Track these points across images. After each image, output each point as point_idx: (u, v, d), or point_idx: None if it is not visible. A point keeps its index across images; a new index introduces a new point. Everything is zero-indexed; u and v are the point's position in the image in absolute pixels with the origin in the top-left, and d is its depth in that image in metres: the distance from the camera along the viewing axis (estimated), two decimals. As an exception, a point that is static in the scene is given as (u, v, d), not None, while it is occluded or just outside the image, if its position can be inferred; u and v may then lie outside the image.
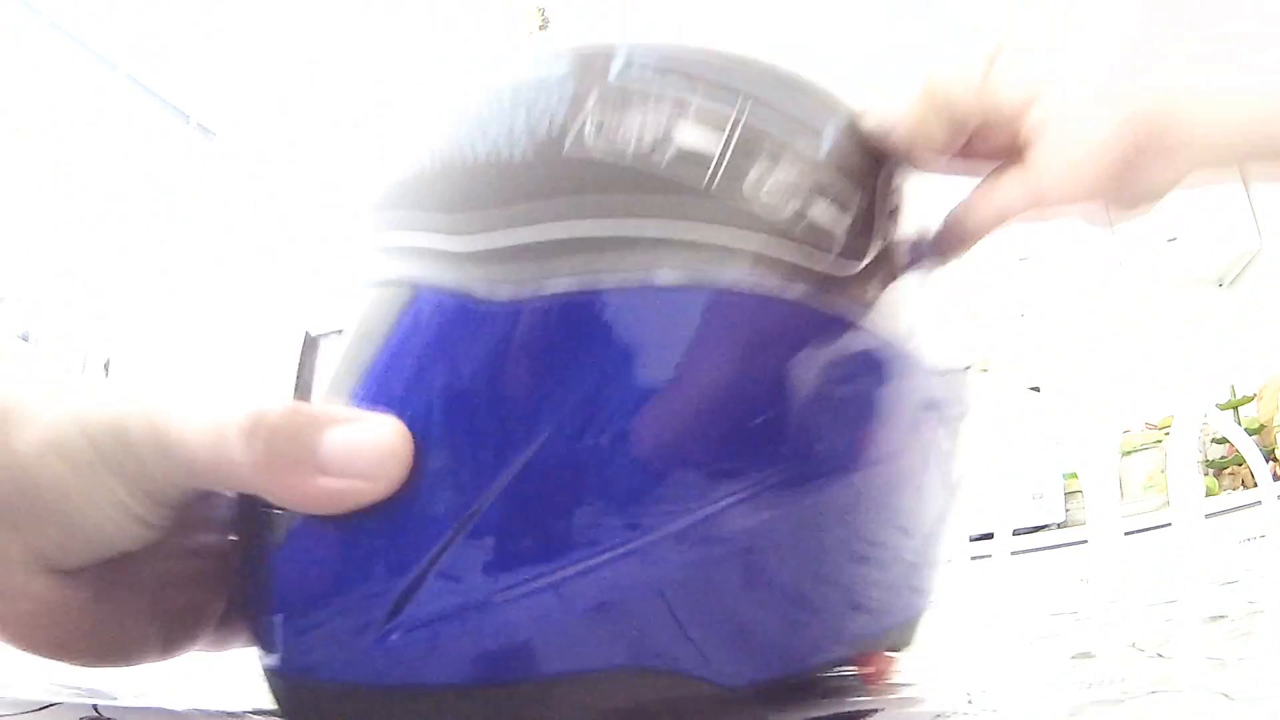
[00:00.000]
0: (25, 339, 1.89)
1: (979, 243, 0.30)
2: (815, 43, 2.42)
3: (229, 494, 0.24)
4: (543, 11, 2.18)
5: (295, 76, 2.55)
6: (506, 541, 0.20)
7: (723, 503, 0.21)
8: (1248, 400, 2.01)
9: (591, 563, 0.20)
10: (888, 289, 0.25)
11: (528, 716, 0.21)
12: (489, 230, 0.21)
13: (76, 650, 0.23)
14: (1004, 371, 2.13)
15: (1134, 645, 0.33)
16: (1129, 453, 2.04)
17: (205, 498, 0.23)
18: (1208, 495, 1.74)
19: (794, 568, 0.23)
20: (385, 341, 0.21)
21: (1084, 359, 2.11)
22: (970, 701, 0.25)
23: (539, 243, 0.21)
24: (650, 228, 0.21)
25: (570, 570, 0.20)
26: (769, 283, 0.22)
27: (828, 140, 0.25)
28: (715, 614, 0.22)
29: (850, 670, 0.30)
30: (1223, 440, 1.93)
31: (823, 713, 0.26)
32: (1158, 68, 0.21)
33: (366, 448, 0.20)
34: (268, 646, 0.22)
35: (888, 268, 0.25)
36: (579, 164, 0.22)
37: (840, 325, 0.23)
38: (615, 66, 0.24)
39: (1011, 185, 0.27)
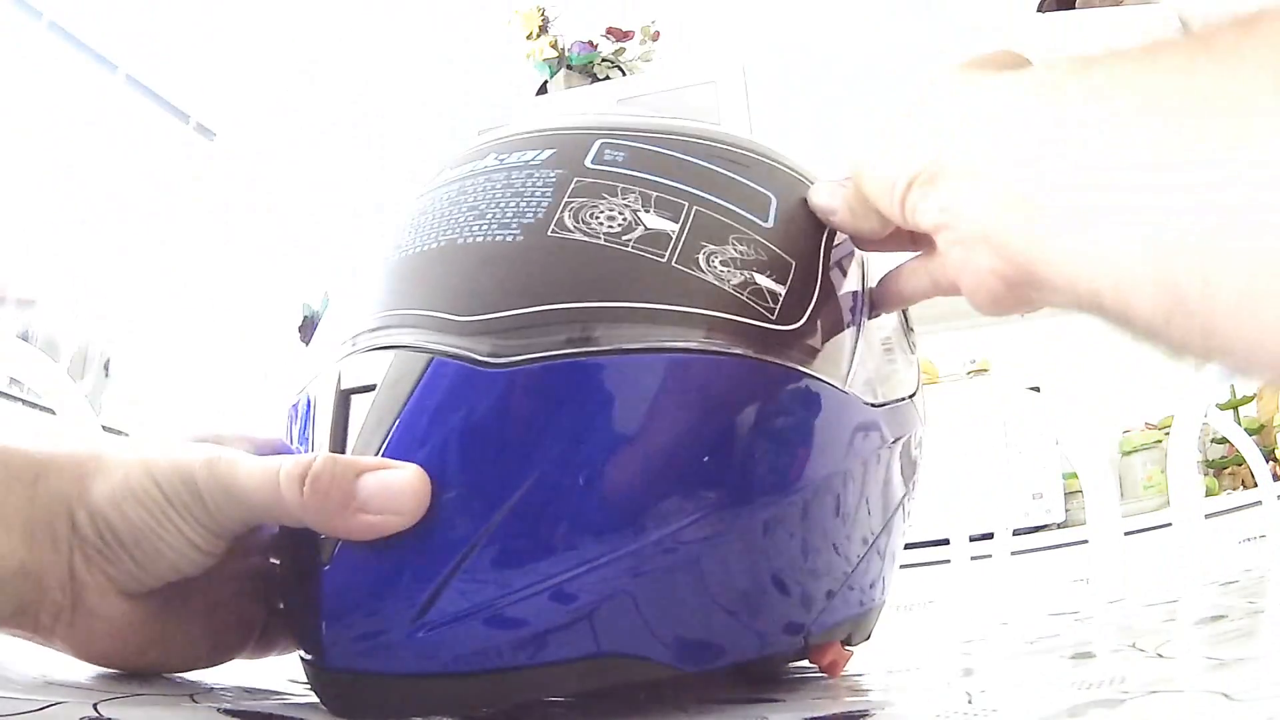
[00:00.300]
0: (25, 339, 1.89)
1: (912, 304, 0.34)
2: (816, 43, 2.42)
3: (270, 525, 0.28)
4: (543, 11, 2.18)
5: (295, 77, 2.55)
6: (509, 557, 0.25)
7: (678, 524, 0.25)
8: (1248, 400, 2.02)
9: (576, 571, 0.25)
10: (831, 338, 0.29)
11: (527, 696, 0.28)
12: (486, 309, 0.26)
13: (141, 660, 0.27)
14: (1004, 371, 2.13)
15: (1134, 645, 0.33)
16: (1129, 453, 2.04)
17: (251, 529, 0.27)
18: (1208, 495, 1.74)
19: (738, 574, 0.27)
20: (408, 397, 0.25)
21: (1084, 359, 2.11)
22: (970, 701, 0.25)
23: (528, 314, 0.25)
24: (619, 300, 0.26)
25: (559, 578, 0.25)
26: (720, 343, 0.26)
27: (772, 216, 0.30)
28: (673, 611, 0.27)
29: (808, 662, 0.33)
30: (1223, 440, 1.93)
31: (823, 713, 0.26)
32: (1046, 207, 0.22)
33: (395, 488, 0.24)
34: (315, 647, 0.26)
35: (831, 320, 0.30)
36: (561, 244, 0.27)
37: (783, 374, 0.27)
38: (589, 154, 0.30)
39: (942, 267, 0.31)
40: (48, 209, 2.14)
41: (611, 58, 2.21)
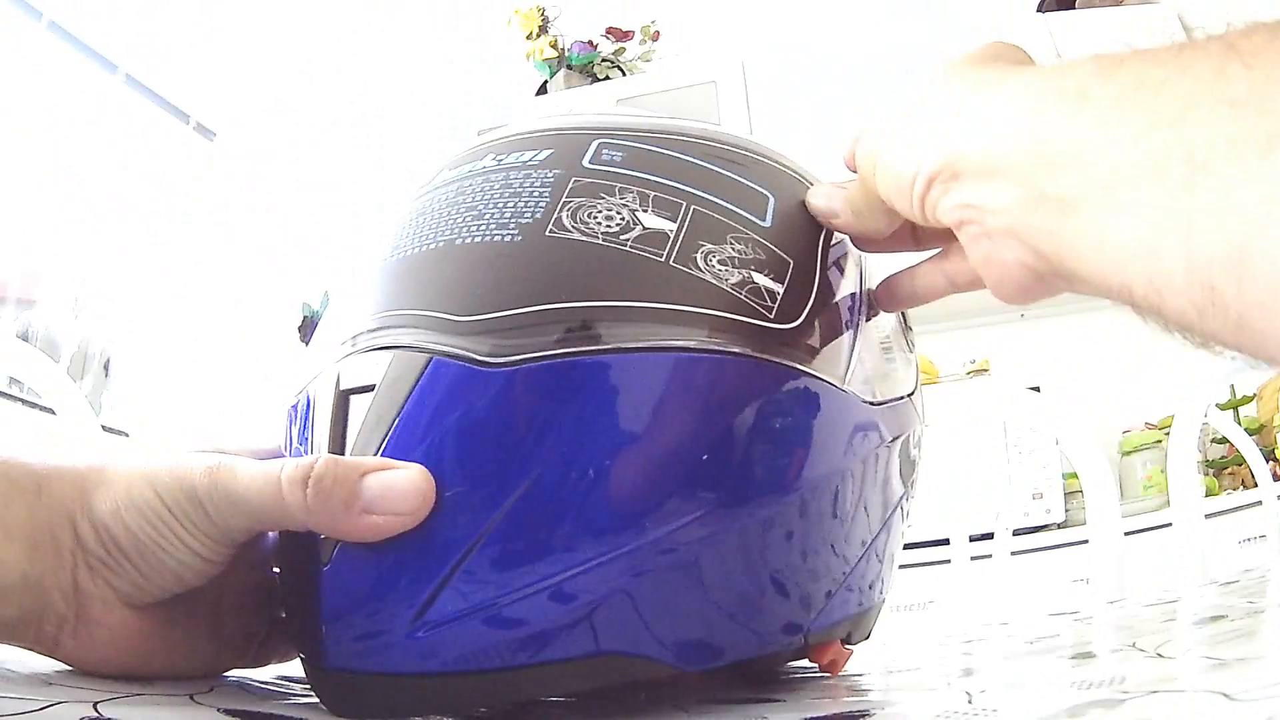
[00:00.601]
0: (25, 339, 1.89)
1: (926, 303, 0.34)
2: (816, 43, 2.42)
3: (272, 532, 0.28)
4: (543, 11, 2.18)
5: (295, 77, 2.55)
6: (508, 557, 0.25)
7: (677, 523, 0.25)
8: (1248, 400, 2.01)
9: (575, 571, 0.25)
10: (831, 337, 0.29)
11: (527, 695, 0.28)
12: (485, 309, 0.26)
13: (143, 670, 0.27)
14: (1004, 371, 2.13)
15: (1134, 645, 0.33)
16: (1129, 453, 2.04)
17: (253, 538, 0.27)
18: (1208, 495, 1.74)
19: (737, 573, 0.27)
20: (407, 397, 0.25)
21: (1084, 359, 2.11)
22: (970, 701, 0.25)
23: (526, 313, 0.25)
24: (617, 300, 0.26)
25: (559, 577, 0.25)
26: (718, 342, 0.26)
27: (770, 215, 0.30)
28: (673, 610, 0.26)
29: (808, 661, 0.33)
30: (1223, 440, 1.93)
31: (822, 713, 0.26)
32: (1070, 208, 0.22)
33: (398, 489, 0.24)
34: (314, 647, 0.26)
35: (829, 319, 0.30)
36: (559, 244, 0.27)
37: (782, 372, 0.27)
38: (587, 154, 0.30)
39: (959, 265, 0.31)
40: (48, 209, 2.14)
41: (611, 58, 2.21)
